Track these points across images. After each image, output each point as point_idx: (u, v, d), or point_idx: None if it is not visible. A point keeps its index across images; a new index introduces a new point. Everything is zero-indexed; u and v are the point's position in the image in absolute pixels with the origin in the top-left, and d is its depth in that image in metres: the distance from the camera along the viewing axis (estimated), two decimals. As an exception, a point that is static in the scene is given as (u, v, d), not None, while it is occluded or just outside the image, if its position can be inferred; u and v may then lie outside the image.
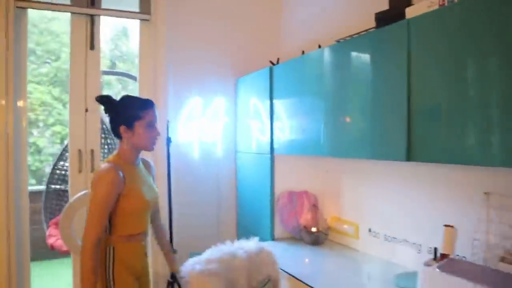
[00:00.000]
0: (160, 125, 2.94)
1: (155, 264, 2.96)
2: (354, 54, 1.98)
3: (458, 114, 1.45)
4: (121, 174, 1.72)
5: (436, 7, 1.54)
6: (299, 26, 3.15)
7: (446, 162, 1.59)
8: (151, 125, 1.81)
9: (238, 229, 3.27)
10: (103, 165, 1.74)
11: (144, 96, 2.98)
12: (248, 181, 3.10)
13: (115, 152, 1.84)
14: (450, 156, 1.50)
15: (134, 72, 6.56)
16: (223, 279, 1.85)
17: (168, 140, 2.75)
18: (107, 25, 3.67)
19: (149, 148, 1.85)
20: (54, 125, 6.93)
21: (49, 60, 6.81)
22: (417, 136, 1.61)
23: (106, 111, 1.82)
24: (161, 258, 2.89)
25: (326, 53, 2.16)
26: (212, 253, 1.98)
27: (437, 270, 1.60)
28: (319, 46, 2.42)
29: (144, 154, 1.98)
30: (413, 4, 1.73)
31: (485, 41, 1.35)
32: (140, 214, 1.84)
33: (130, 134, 1.79)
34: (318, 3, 2.90)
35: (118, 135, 1.81)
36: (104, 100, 1.80)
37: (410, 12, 1.65)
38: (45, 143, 6.59)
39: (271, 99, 2.69)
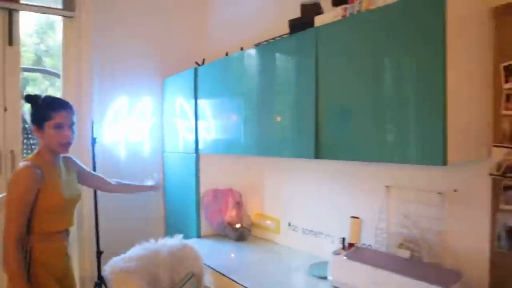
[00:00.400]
0: (84, 125, 2.95)
1: (82, 265, 2.90)
2: (271, 57, 2.09)
3: (360, 115, 1.60)
4: (38, 171, 1.71)
5: (339, 17, 1.68)
6: (223, 28, 3.23)
7: (351, 159, 1.74)
8: (59, 127, 1.77)
9: (167, 228, 3.29)
10: (21, 164, 1.75)
11: (68, 94, 2.92)
12: (175, 180, 3.12)
13: (35, 152, 1.83)
14: (353, 154, 1.65)
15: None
16: (145, 276, 1.88)
17: (93, 140, 2.71)
18: (31, 18, 3.50)
19: (58, 150, 1.81)
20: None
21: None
22: (324, 136, 1.75)
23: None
24: (88, 259, 2.88)
25: (247, 56, 2.26)
26: (134, 251, 2.01)
27: (345, 258, 1.76)
28: (241, 49, 2.51)
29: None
30: (322, 13, 1.87)
31: (380, 48, 1.52)
32: (59, 212, 1.81)
33: (41, 134, 1.78)
34: (240, 7, 3.00)
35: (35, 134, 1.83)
36: (30, 100, 1.80)
37: (319, 21, 1.78)
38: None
39: (196, 99, 2.74)
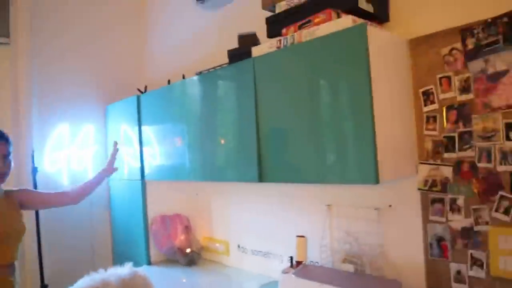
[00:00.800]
0: (23, 155, 2.85)
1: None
2: (212, 85, 2.15)
3: (297, 139, 1.69)
4: None
5: (275, 48, 1.78)
6: (164, 56, 3.27)
7: (292, 182, 1.83)
8: None
9: (114, 257, 3.22)
10: None
11: (4, 124, 2.81)
12: (121, 208, 3.08)
13: None
14: (294, 176, 1.74)
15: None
16: (94, 310, 1.84)
17: (34, 170, 2.64)
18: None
19: None
20: None
21: None
22: (266, 160, 1.83)
23: None
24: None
25: (189, 84, 2.31)
26: (82, 282, 1.96)
27: (293, 276, 1.83)
28: (183, 76, 2.56)
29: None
30: (259, 44, 1.96)
31: (313, 75, 1.63)
32: None
33: None
34: (180, 36, 3.07)
35: None
36: None
37: (256, 51, 1.87)
38: None
39: (139, 126, 2.75)
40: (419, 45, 1.70)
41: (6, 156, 1.80)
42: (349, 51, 1.50)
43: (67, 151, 3.05)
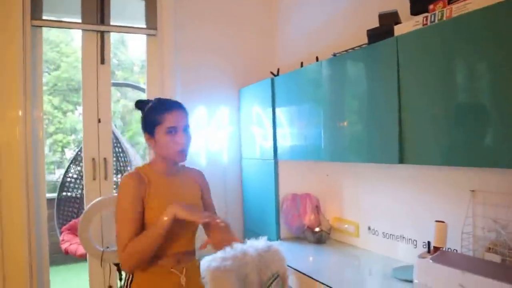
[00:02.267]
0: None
1: None
2: (349, 67, 2.16)
3: (445, 120, 1.63)
4: (143, 178, 1.58)
5: (420, 26, 1.72)
6: (296, 38, 3.34)
7: (436, 164, 1.76)
8: (172, 131, 1.56)
9: (245, 232, 3.43)
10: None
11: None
12: (253, 186, 3.27)
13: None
14: (439, 158, 1.68)
15: (132, 80, 6.74)
16: (236, 274, 2.02)
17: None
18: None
19: (174, 158, 1.61)
20: (55, 133, 7.06)
21: (47, 70, 6.98)
22: (408, 141, 1.79)
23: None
24: None
25: (324, 66, 2.34)
26: (225, 251, 2.15)
27: (431, 261, 1.78)
28: (317, 59, 2.59)
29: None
30: (401, 23, 1.91)
31: (467, 53, 1.54)
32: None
33: (153, 143, 1.61)
34: (314, 16, 3.09)
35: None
36: (140, 106, 1.69)
37: (398, 30, 1.83)
38: (45, 151, 6.78)
39: (273, 108, 2.87)
40: None
41: (186, 128, 1.61)
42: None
43: (205, 132, 3.33)
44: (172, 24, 3.23)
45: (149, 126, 1.61)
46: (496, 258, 1.73)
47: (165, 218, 1.48)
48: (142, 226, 1.55)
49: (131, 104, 3.27)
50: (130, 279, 1.60)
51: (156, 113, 1.59)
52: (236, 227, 3.45)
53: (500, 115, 1.43)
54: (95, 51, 3.11)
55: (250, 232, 3.32)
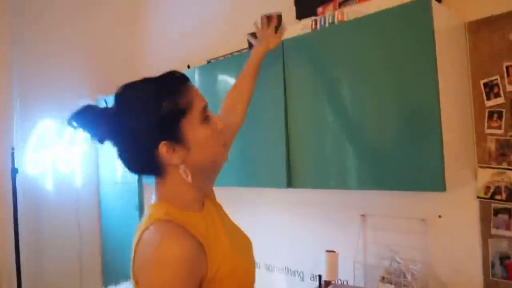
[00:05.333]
0: (1, 154, 2.50)
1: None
2: (226, 75, 1.87)
3: (336, 139, 1.43)
4: (198, 243, 0.82)
5: (309, 30, 1.51)
6: (166, 44, 2.95)
7: (327, 188, 1.55)
8: (209, 115, 0.92)
9: (104, 276, 2.87)
10: (154, 229, 0.82)
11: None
12: (114, 216, 2.76)
13: (155, 200, 0.94)
14: (329, 182, 1.47)
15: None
16: None
17: (14, 171, 2.31)
18: None
19: (221, 161, 0.99)
20: None
21: None
22: (296, 163, 1.55)
23: (98, 135, 0.90)
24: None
25: (197, 73, 2.02)
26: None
27: (321, 298, 1.56)
28: (188, 67, 2.28)
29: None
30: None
31: (360, 61, 1.36)
32: None
33: (183, 151, 0.87)
34: (184, 22, 2.77)
35: (151, 166, 0.91)
36: (82, 116, 0.88)
37: (284, 34, 1.59)
38: None
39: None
40: (480, 28, 1.45)
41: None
42: (410, 31, 1.25)
43: (53, 150, 2.71)
44: (10, 12, 2.55)
45: (167, 128, 0.86)
46: (390, 288, 1.58)
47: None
48: None
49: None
50: None
51: (169, 97, 0.86)
52: (91, 268, 2.86)
53: (398, 132, 1.28)
54: None
55: (110, 275, 2.78)
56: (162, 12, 3.01)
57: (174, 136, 0.86)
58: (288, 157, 1.57)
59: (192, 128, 0.87)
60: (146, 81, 0.91)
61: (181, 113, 0.86)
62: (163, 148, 0.85)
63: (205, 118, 0.89)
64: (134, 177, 2.37)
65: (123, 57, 3.08)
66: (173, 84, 0.89)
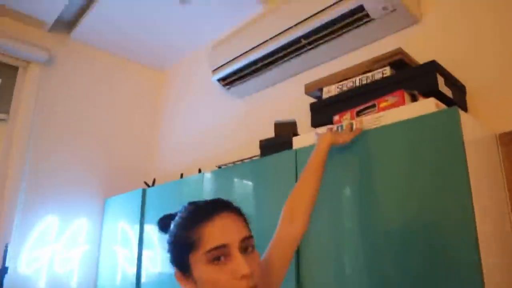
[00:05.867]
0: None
1: None
2: (237, 180, 1.76)
3: (354, 252, 1.24)
4: None
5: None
6: (178, 147, 2.93)
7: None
8: (220, 256, 0.83)
9: None
10: None
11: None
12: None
13: None
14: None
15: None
16: None
17: (4, 270, 2.14)
18: None
19: None
20: None
21: None
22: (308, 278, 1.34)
23: None
24: None
25: (207, 178, 1.92)
26: None
27: None
28: (199, 171, 2.20)
29: None
30: (298, 134, 1.60)
31: (382, 174, 1.22)
32: None
33: (191, 283, 0.87)
34: (198, 126, 2.79)
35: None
36: (164, 224, 0.97)
37: (298, 142, 1.50)
38: None
39: (141, 224, 2.30)
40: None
41: (246, 243, 0.86)
42: (437, 142, 1.12)
43: (51, 248, 2.55)
44: (31, 109, 2.59)
45: (178, 256, 0.89)
46: None
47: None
48: None
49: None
50: None
51: (186, 229, 0.87)
52: None
53: (430, 259, 1.09)
54: None
55: None
56: (175, 116, 3.05)
57: (182, 266, 0.88)
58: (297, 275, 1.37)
59: (197, 266, 0.85)
60: (189, 204, 0.94)
61: (188, 247, 0.85)
62: (177, 273, 0.90)
63: (215, 259, 0.83)
64: (133, 283, 2.20)
65: (132, 160, 3.03)
66: (194, 216, 0.89)
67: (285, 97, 2.19)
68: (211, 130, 2.65)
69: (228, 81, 2.32)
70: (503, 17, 1.47)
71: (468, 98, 1.49)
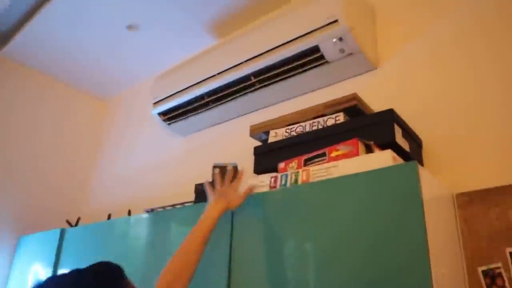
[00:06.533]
0: None
1: None
2: (167, 227, 1.55)
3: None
4: None
5: (266, 189, 1.24)
6: (109, 186, 2.67)
7: None
8: None
9: None
10: None
11: None
12: None
13: None
14: None
15: None
16: None
17: None
18: None
19: None
20: None
21: None
22: None
23: None
24: None
25: (135, 221, 1.69)
26: None
27: None
28: (129, 213, 1.98)
29: None
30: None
31: (327, 231, 1.05)
32: None
33: None
34: (133, 166, 2.58)
35: None
36: None
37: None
38: None
39: (55, 268, 2.01)
40: (472, 202, 1.20)
41: None
42: (396, 199, 0.97)
43: None
44: None
45: None
46: None
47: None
48: None
49: None
50: None
51: None
52: None
53: None
54: None
55: None
56: (113, 151, 2.83)
57: None
58: None
59: None
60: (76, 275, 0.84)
61: None
62: None
63: None
64: None
65: (59, 194, 2.70)
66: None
67: (229, 138, 2.04)
68: (147, 169, 2.44)
69: (170, 116, 2.12)
70: (463, 69, 1.40)
71: (423, 152, 1.38)
